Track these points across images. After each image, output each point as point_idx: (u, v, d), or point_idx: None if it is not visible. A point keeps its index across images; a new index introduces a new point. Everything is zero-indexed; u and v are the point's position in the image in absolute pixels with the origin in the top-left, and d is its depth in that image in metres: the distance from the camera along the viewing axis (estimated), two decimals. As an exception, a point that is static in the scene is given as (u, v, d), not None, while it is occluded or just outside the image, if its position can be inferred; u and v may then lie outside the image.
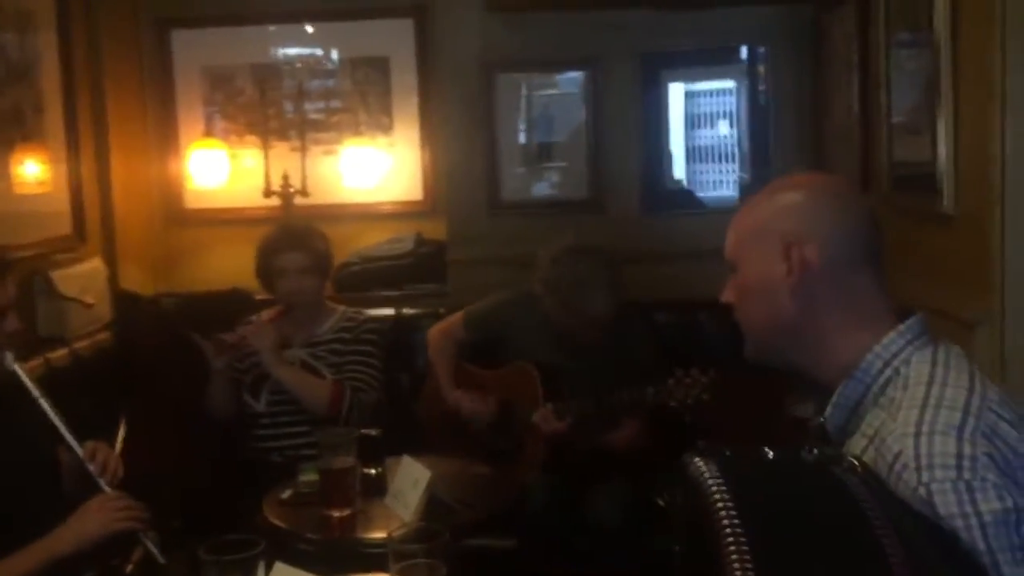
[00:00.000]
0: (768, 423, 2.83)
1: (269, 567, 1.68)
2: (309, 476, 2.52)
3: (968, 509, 1.09)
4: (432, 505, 2.36)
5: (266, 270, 3.16)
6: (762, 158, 3.84)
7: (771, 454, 1.20)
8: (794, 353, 1.39)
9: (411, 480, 2.39)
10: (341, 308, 3.25)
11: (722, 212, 3.87)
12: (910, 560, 0.99)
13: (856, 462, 1.13)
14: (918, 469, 1.13)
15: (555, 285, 3.01)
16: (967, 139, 2.35)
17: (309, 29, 4.14)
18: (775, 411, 2.85)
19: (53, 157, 3.43)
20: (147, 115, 4.13)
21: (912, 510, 1.10)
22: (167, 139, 4.14)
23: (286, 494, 2.56)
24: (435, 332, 3.35)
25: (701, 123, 3.92)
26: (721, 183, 3.95)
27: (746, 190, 3.89)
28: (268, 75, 4.10)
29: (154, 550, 2.02)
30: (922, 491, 1.11)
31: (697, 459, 1.13)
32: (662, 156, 3.90)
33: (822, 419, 1.34)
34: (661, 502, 2.85)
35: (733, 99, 3.89)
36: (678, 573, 1.25)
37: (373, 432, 2.62)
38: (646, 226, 3.82)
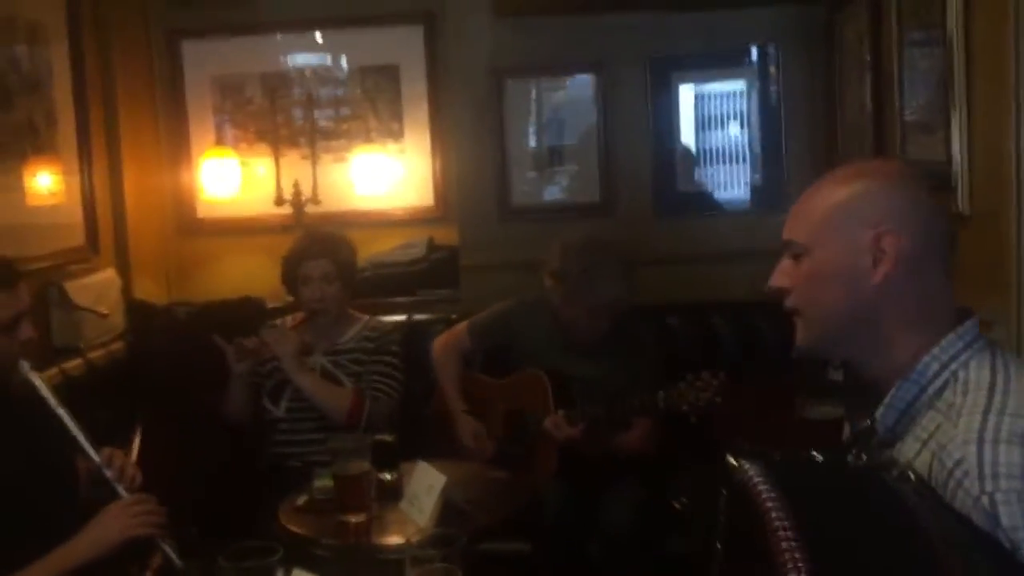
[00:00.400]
0: (779, 425, 2.82)
1: (287, 573, 1.68)
2: (324, 482, 2.52)
3: None
4: (447, 510, 2.36)
5: (291, 276, 3.17)
6: (774, 159, 3.82)
7: (819, 458, 1.18)
8: (854, 346, 1.34)
9: (426, 485, 2.38)
10: (365, 317, 3.25)
11: (734, 215, 3.87)
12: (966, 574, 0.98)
13: (909, 471, 1.12)
14: (981, 478, 1.10)
15: (564, 274, 3.01)
16: (981, 138, 2.34)
17: (318, 37, 4.15)
18: (786, 413, 2.84)
19: (66, 169, 3.45)
20: (159, 126, 4.15)
21: (967, 522, 1.08)
22: (179, 149, 4.16)
23: (301, 500, 2.57)
24: (439, 344, 3.34)
25: (712, 125, 3.90)
26: (732, 185, 3.93)
27: (758, 192, 3.87)
28: (278, 84, 4.11)
29: (171, 554, 2.02)
30: (985, 501, 1.08)
31: (744, 463, 1.10)
32: (674, 159, 3.88)
33: (871, 420, 1.30)
34: (677, 505, 2.86)
35: (744, 100, 3.87)
36: (716, 569, 1.23)
37: (388, 437, 2.62)
38: (658, 229, 3.82)
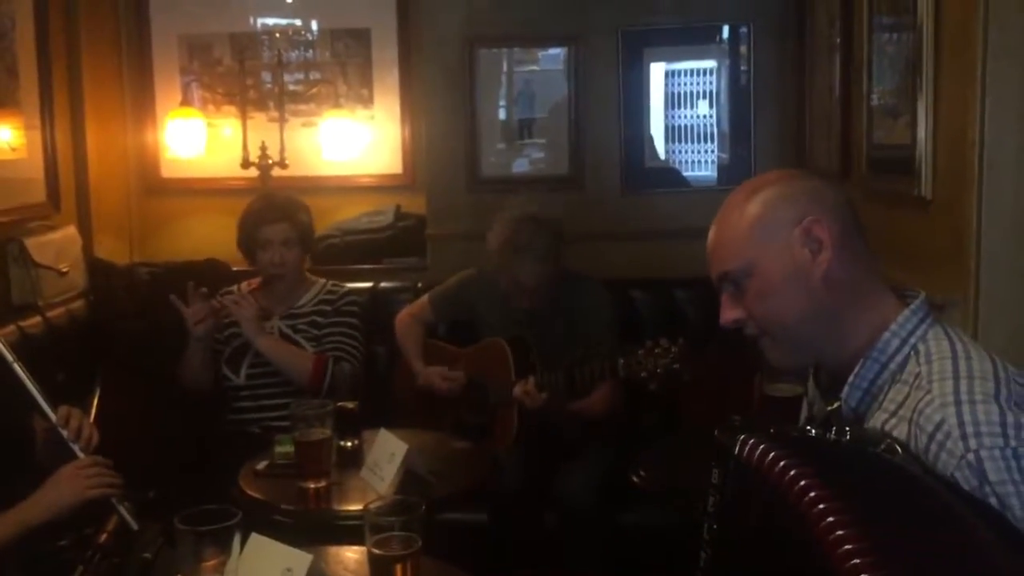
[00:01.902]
0: (739, 401, 2.85)
1: (245, 538, 1.68)
2: (285, 447, 2.52)
3: (1017, 476, 1.09)
4: (408, 478, 2.36)
5: (248, 241, 3.14)
6: (742, 138, 3.84)
7: (813, 432, 1.18)
8: (824, 342, 1.34)
9: (387, 453, 2.39)
10: (321, 281, 3.23)
11: (701, 192, 3.89)
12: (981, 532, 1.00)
13: (896, 444, 1.13)
14: (964, 437, 1.12)
15: (496, 248, 3.04)
16: (946, 123, 2.36)
17: (289, -1, 4.10)
18: (747, 390, 2.87)
19: (27, 123, 3.39)
20: (124, 83, 4.08)
21: (956, 488, 1.10)
22: (144, 108, 4.10)
23: (261, 465, 2.56)
24: (402, 317, 3.36)
25: (681, 102, 3.90)
26: (699, 163, 3.95)
27: (725, 170, 3.89)
28: (246, 45, 4.06)
29: (127, 516, 2.00)
30: (971, 457, 1.10)
31: (744, 435, 1.09)
32: (643, 135, 3.88)
33: (839, 402, 1.31)
34: (635, 479, 2.88)
35: (714, 79, 3.88)
36: (710, 550, 1.21)
37: (350, 404, 2.62)
38: (625, 204, 3.83)
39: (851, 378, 1.30)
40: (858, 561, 0.90)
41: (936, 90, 2.39)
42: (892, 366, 1.28)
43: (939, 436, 1.14)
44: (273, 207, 3.14)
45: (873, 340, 1.30)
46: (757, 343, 1.39)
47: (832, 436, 1.19)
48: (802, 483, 0.98)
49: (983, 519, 1.03)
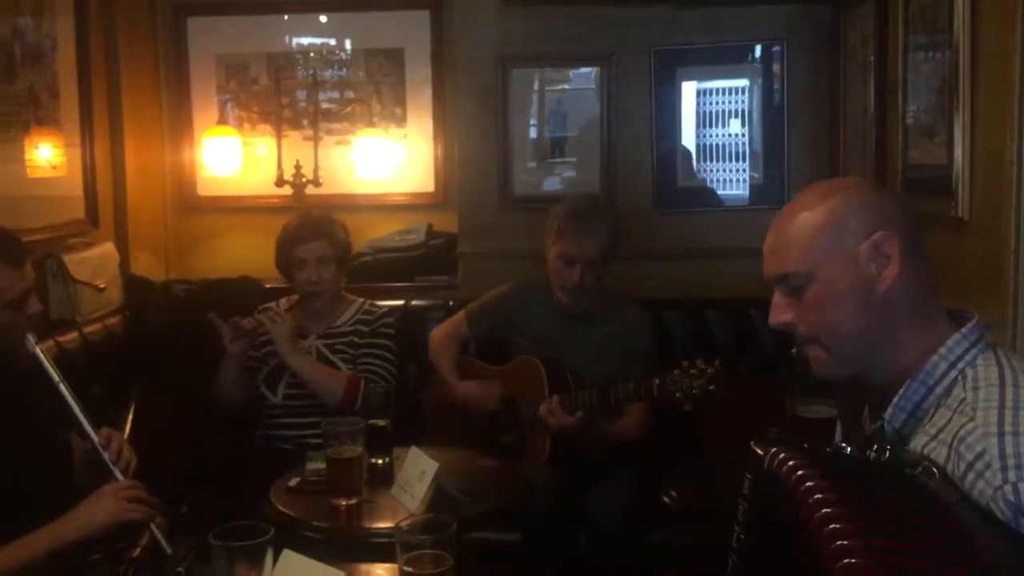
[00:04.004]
0: (771, 423, 2.82)
1: (277, 554, 1.69)
2: (317, 464, 2.53)
3: None
4: (438, 497, 2.36)
5: (286, 259, 3.17)
6: (775, 158, 3.82)
7: (848, 449, 1.19)
8: (873, 357, 1.34)
9: (418, 471, 2.39)
10: (359, 300, 3.25)
11: (733, 211, 3.87)
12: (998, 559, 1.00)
13: (933, 467, 1.13)
14: (1004, 468, 1.12)
15: (555, 218, 3.05)
16: (983, 143, 2.34)
17: (324, 19, 4.15)
18: (778, 411, 2.84)
19: (67, 141, 3.45)
20: (162, 102, 4.14)
21: (989, 515, 1.09)
22: (181, 126, 4.15)
23: (293, 482, 2.57)
24: (437, 334, 3.36)
25: (714, 121, 3.89)
26: (731, 182, 3.93)
27: (757, 190, 3.87)
28: (282, 64, 4.11)
29: (161, 539, 2.01)
30: (1008, 489, 1.10)
31: (776, 450, 1.10)
32: (675, 153, 3.88)
33: (883, 420, 1.31)
34: (667, 499, 2.85)
35: (746, 98, 3.87)
36: (738, 561, 1.22)
37: (381, 422, 2.62)
38: (657, 223, 3.82)
39: (896, 399, 1.30)
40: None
41: (973, 109, 2.37)
42: (939, 390, 1.28)
43: (979, 465, 1.14)
44: (309, 226, 3.16)
45: (922, 361, 1.29)
46: (803, 349, 1.38)
47: (871, 455, 1.19)
48: (816, 496, 1.00)
49: (1011, 551, 1.02)
